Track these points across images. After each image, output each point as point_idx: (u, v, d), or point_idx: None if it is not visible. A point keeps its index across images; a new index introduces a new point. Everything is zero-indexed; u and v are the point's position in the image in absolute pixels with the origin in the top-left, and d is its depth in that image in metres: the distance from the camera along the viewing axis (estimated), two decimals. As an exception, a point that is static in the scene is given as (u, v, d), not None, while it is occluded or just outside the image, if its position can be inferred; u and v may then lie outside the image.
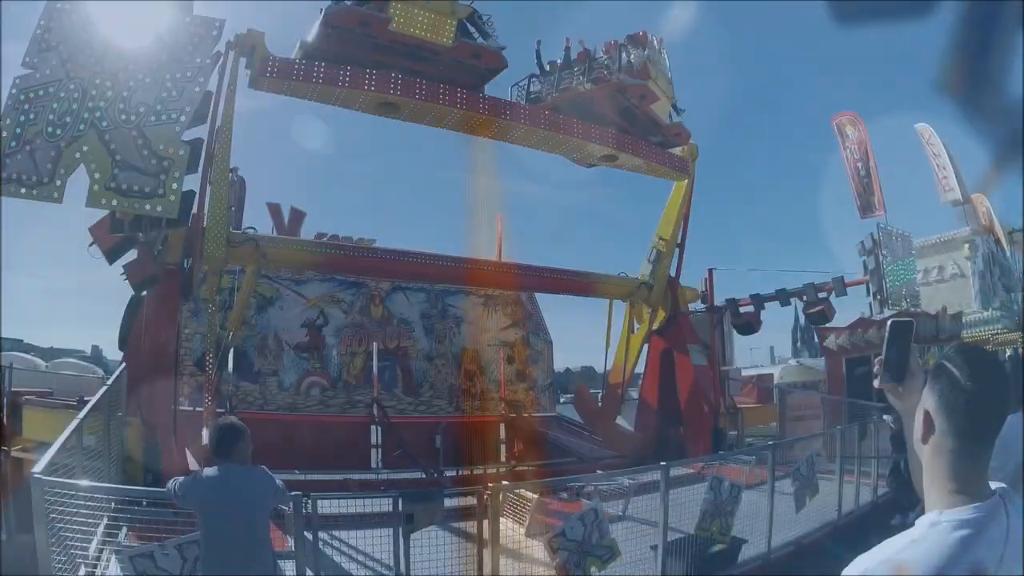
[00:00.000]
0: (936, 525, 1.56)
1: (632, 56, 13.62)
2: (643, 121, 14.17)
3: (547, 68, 14.13)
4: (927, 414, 1.69)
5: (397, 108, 11.33)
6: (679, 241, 15.52)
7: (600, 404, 17.44)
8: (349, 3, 10.99)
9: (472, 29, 11.69)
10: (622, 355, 16.19)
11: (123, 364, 10.06)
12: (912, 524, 1.66)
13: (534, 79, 14.07)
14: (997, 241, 23.83)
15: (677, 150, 14.94)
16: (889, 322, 1.89)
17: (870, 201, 18.33)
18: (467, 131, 12.32)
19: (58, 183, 7.76)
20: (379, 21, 10.71)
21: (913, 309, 16.94)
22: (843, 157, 19.20)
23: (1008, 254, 23.98)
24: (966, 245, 23.95)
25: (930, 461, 1.68)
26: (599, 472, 10.70)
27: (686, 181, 15.10)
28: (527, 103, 13.67)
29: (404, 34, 10.76)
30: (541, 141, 12.91)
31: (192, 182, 8.47)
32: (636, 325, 16.14)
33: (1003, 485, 1.66)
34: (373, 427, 15.38)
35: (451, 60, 11.49)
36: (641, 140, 13.99)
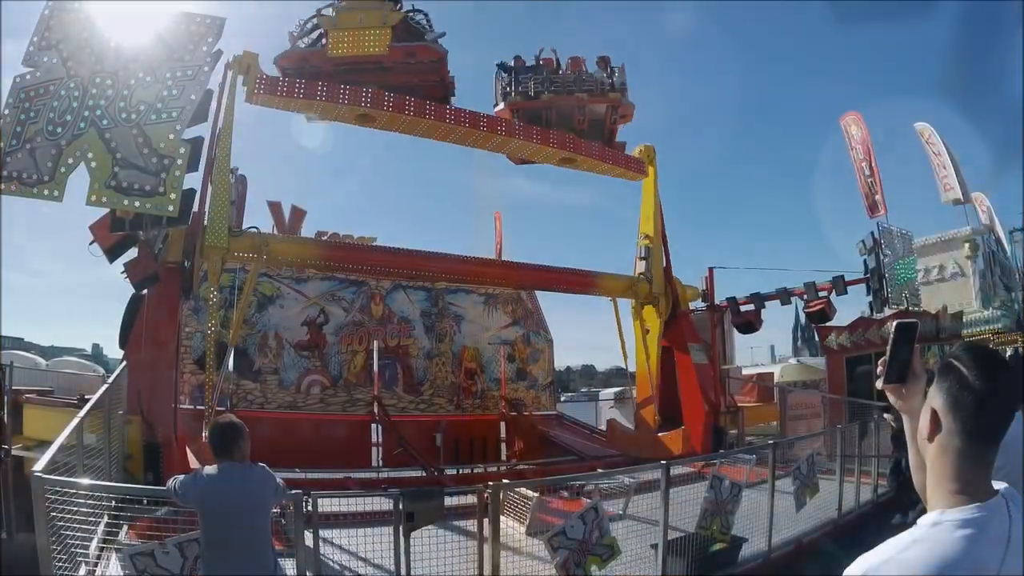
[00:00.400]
0: (938, 525, 1.56)
1: (615, 77, 14.46)
2: (604, 134, 14.76)
3: (511, 65, 14.52)
4: (934, 413, 1.68)
5: (372, 119, 11.92)
6: (661, 235, 15.87)
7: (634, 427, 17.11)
8: (300, 44, 11.94)
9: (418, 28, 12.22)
10: (643, 364, 16.07)
11: (123, 362, 10.07)
12: (913, 523, 1.67)
13: (525, 77, 14.28)
14: (998, 240, 23.82)
15: (636, 151, 15.67)
16: (894, 323, 1.88)
17: (875, 201, 18.29)
18: (438, 138, 12.87)
19: (59, 181, 7.76)
20: (317, 54, 11.55)
21: (914, 308, 16.93)
22: (851, 157, 19.15)
23: (1009, 253, 23.99)
24: (966, 244, 23.95)
25: (935, 460, 1.68)
26: (599, 471, 10.71)
27: (649, 179, 15.81)
28: (516, 98, 13.98)
29: (344, 56, 11.49)
30: (505, 145, 13.43)
31: (193, 180, 8.49)
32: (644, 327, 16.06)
33: (1005, 485, 1.66)
34: (373, 425, 15.38)
35: (399, 65, 12.03)
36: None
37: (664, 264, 15.77)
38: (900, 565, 1.51)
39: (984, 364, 1.67)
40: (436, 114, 12.09)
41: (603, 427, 20.30)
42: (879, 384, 1.88)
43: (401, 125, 12.15)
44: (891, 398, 1.89)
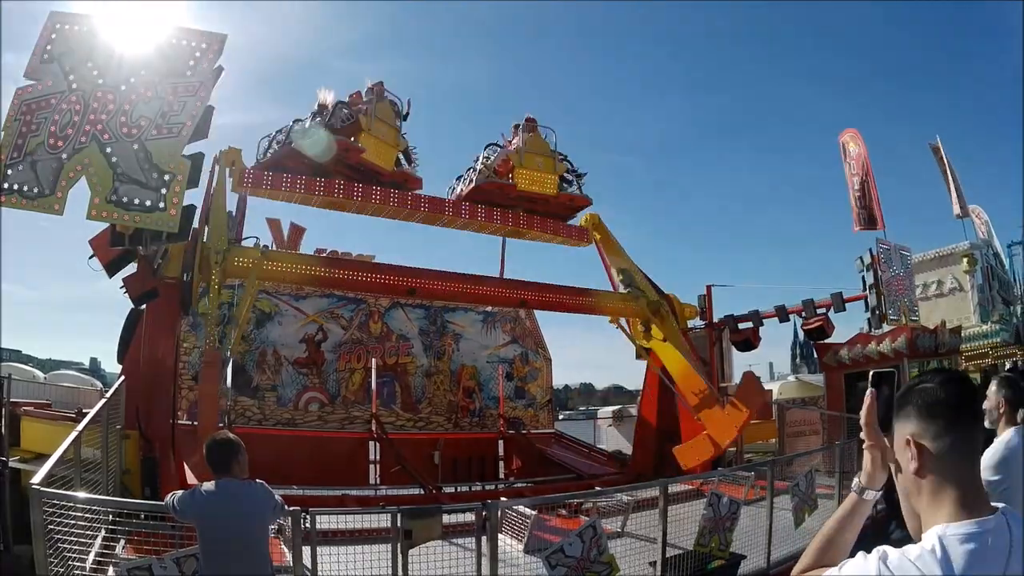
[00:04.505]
0: (944, 537, 1.59)
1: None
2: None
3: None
4: (913, 441, 1.73)
5: (343, 205, 13.23)
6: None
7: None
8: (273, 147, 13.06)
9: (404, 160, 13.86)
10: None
11: (122, 377, 10.05)
12: (908, 537, 1.70)
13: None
14: (996, 254, 23.90)
15: (582, 220, 15.70)
16: (871, 374, 1.96)
17: (864, 216, 18.36)
18: (404, 219, 14.13)
19: (59, 195, 7.76)
20: (355, 150, 12.76)
21: (912, 323, 16.95)
22: (845, 173, 19.24)
23: (1007, 267, 24.07)
24: (965, 259, 24.00)
25: (930, 480, 1.71)
26: (597, 489, 10.68)
27: (605, 237, 15.85)
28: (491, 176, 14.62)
29: (366, 161, 12.96)
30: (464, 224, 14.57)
31: (193, 196, 8.50)
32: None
33: (1003, 504, 1.69)
34: (371, 443, 15.36)
35: (389, 182, 13.46)
36: (547, 217, 15.13)
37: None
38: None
39: (931, 373, 1.79)
40: (401, 201, 13.39)
41: (602, 446, 20.31)
42: (865, 446, 1.94)
43: (371, 209, 13.50)
44: (872, 454, 1.93)
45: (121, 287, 10.04)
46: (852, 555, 1.79)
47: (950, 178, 23.62)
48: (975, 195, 24.28)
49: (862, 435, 1.92)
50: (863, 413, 1.91)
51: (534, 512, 8.35)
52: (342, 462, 14.96)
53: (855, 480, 1.96)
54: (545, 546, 6.46)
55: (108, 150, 7.90)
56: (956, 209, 23.43)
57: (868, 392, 1.89)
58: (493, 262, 17.10)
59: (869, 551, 1.69)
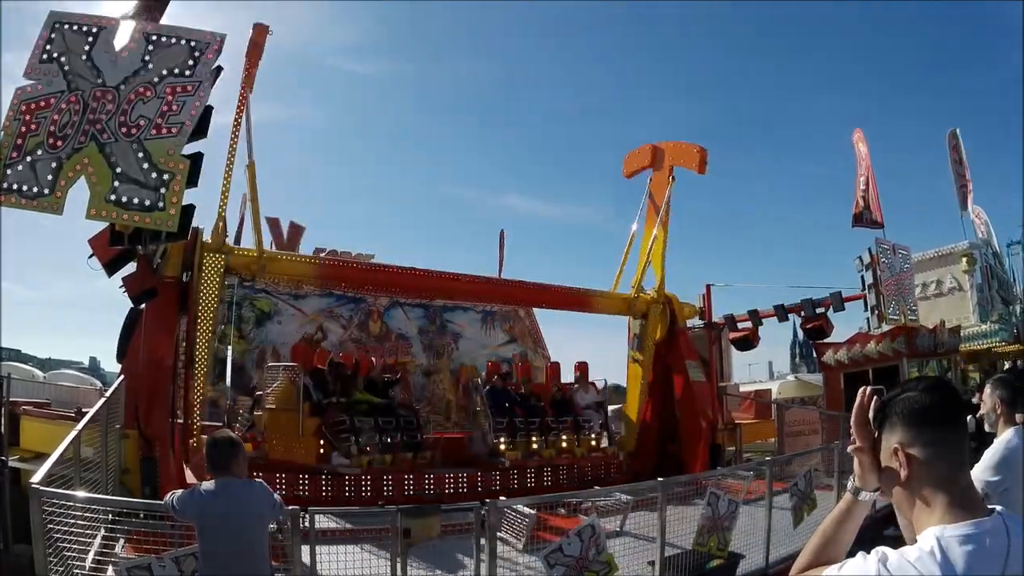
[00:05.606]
0: (943, 539, 1.59)
1: None
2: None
3: None
4: (900, 449, 1.74)
5: None
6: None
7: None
8: None
9: None
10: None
11: (121, 376, 10.05)
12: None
13: None
14: (995, 253, 23.89)
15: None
16: (859, 390, 1.96)
17: (866, 215, 18.36)
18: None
19: (58, 194, 7.78)
20: None
21: (911, 323, 16.95)
22: (857, 172, 19.20)
23: (1006, 266, 24.05)
24: (964, 258, 24.00)
25: (922, 485, 1.72)
26: (596, 488, 10.68)
27: None
28: None
29: None
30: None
31: (192, 196, 8.50)
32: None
33: (1001, 508, 1.69)
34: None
35: None
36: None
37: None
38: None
39: (912, 380, 1.82)
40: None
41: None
42: (849, 449, 1.93)
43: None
44: (860, 457, 1.91)
45: (120, 286, 10.03)
46: (851, 554, 1.79)
47: (956, 173, 23.63)
48: (975, 194, 24.12)
49: (850, 446, 1.92)
50: (853, 413, 1.90)
51: (533, 511, 8.35)
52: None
53: (849, 481, 1.96)
54: (544, 545, 6.47)
55: (107, 150, 7.90)
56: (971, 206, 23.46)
57: (860, 391, 1.90)
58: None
59: (868, 551, 1.69)
